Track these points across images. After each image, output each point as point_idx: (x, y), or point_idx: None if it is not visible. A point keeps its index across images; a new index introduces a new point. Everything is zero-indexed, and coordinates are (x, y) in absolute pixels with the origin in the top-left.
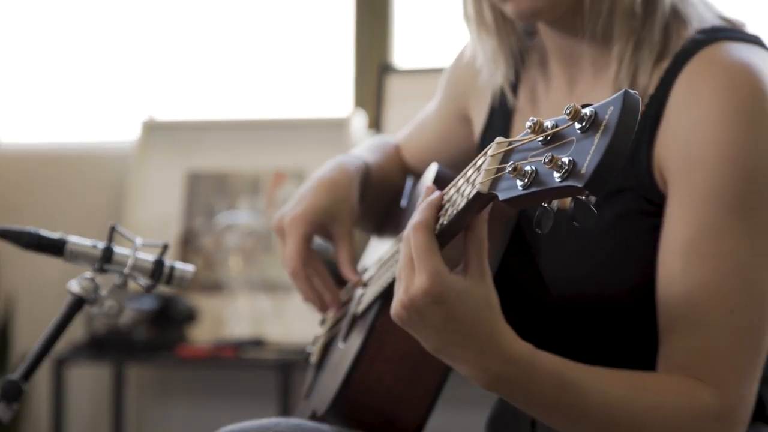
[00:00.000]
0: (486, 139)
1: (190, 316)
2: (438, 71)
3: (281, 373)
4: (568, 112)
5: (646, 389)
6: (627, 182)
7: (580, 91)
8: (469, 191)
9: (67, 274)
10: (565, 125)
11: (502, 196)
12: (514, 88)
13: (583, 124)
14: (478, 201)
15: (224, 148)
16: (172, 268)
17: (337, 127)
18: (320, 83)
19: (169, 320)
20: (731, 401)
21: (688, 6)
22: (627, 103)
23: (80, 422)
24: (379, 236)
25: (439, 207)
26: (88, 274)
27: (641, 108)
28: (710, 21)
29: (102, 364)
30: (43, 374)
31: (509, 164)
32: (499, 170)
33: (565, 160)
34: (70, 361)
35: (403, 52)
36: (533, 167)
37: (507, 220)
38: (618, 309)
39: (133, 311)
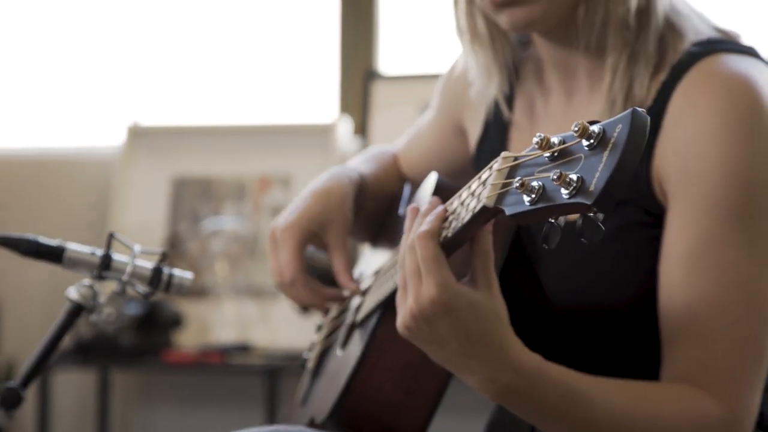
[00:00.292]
0: (481, 151)
1: (176, 322)
2: (423, 78)
3: (268, 379)
4: (576, 129)
5: (650, 399)
6: (627, 194)
7: (577, 104)
8: (474, 205)
9: (54, 279)
10: (573, 142)
11: (509, 211)
12: (509, 100)
13: (591, 141)
14: (484, 215)
15: (209, 153)
16: (170, 276)
17: (322, 133)
18: (306, 89)
19: (154, 326)
20: (735, 412)
21: (682, 18)
22: (635, 122)
23: (66, 428)
24: (373, 246)
25: (443, 219)
26: (87, 281)
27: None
28: (706, 33)
29: (87, 369)
30: None
31: (516, 179)
32: (505, 185)
33: (573, 176)
34: (55, 367)
35: (388, 59)
36: (540, 183)
37: (506, 232)
38: (618, 319)
39: (120, 316)
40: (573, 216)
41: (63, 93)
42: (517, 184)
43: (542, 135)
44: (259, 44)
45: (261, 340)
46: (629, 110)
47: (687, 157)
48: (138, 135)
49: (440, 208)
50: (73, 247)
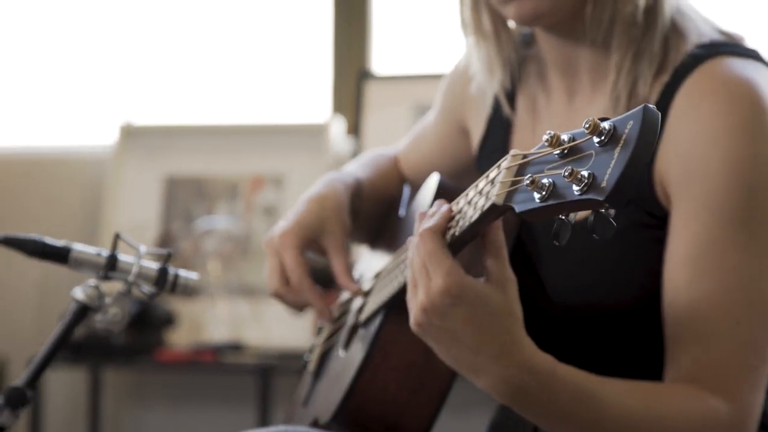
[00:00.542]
0: (484, 150)
1: (168, 320)
2: (416, 78)
3: (260, 378)
4: (587, 126)
5: (659, 400)
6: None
7: (579, 102)
8: (483, 203)
9: (46, 279)
10: (584, 139)
11: (518, 209)
12: (511, 98)
13: (602, 138)
14: (493, 213)
15: (202, 153)
16: (176, 276)
17: (315, 133)
18: (299, 89)
19: (147, 324)
20: (740, 411)
21: (686, 20)
22: (647, 118)
23: (57, 427)
24: (373, 247)
25: (449, 218)
26: (92, 281)
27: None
28: (709, 35)
29: (79, 368)
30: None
31: (527, 177)
32: (514, 183)
33: (585, 173)
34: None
35: (381, 59)
36: (551, 180)
37: (509, 231)
38: (619, 319)
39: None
40: (580, 214)
41: (55, 92)
42: (528, 182)
43: (552, 132)
44: (252, 44)
45: (253, 339)
46: (640, 107)
47: (689, 158)
48: (130, 134)
49: (445, 207)
50: (79, 247)
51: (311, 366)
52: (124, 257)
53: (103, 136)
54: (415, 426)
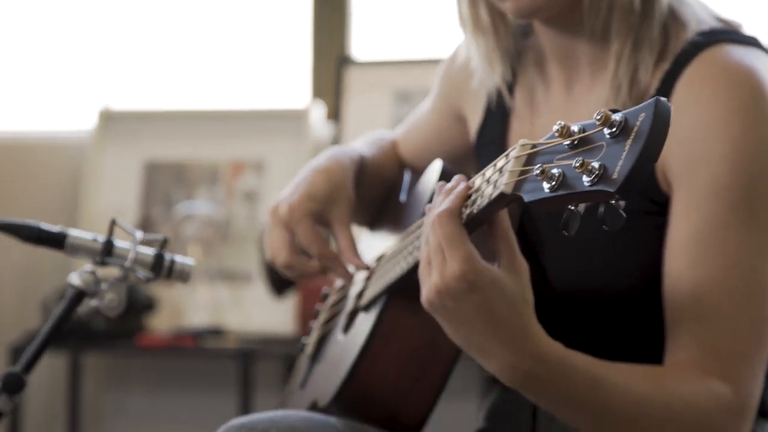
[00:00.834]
0: (482, 139)
1: (148, 305)
2: (397, 64)
3: (241, 363)
4: (598, 117)
5: (665, 384)
6: None
7: (579, 91)
8: (491, 191)
9: (25, 262)
10: (595, 130)
11: (527, 198)
12: (510, 88)
13: (613, 129)
14: (501, 201)
15: (182, 138)
16: (172, 262)
17: (296, 119)
18: (279, 74)
19: (127, 309)
20: (741, 394)
21: (684, 7)
22: (659, 110)
23: (37, 411)
24: (372, 230)
25: (466, 197)
26: (89, 267)
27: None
28: (708, 22)
29: (59, 353)
30: None
31: (537, 166)
32: (523, 172)
33: (596, 164)
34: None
35: (361, 44)
36: (560, 170)
37: (511, 219)
38: (620, 305)
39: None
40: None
41: (34, 77)
42: (538, 171)
43: (562, 123)
44: (232, 28)
45: (234, 323)
46: (652, 99)
47: (691, 145)
48: (110, 119)
49: (462, 185)
50: (75, 233)
51: (309, 349)
52: (120, 243)
53: (83, 122)
54: (415, 411)
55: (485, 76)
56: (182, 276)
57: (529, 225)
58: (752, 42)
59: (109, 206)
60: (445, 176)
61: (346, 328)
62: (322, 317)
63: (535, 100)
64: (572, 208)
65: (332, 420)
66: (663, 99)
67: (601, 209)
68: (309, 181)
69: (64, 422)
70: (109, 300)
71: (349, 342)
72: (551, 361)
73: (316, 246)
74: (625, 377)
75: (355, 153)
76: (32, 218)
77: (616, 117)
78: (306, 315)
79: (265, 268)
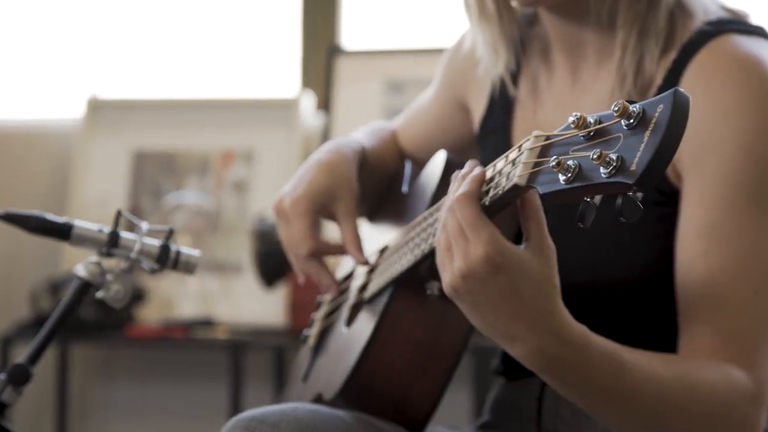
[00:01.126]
0: (485, 128)
1: (138, 296)
2: (387, 53)
3: (232, 354)
4: (616, 108)
5: (687, 371)
6: None
7: (584, 80)
8: (504, 183)
9: (10, 252)
10: (612, 122)
11: (542, 190)
12: (515, 77)
13: (631, 121)
14: (514, 194)
15: (171, 127)
16: (178, 253)
17: (285, 108)
18: (269, 63)
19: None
20: (761, 382)
21: None
22: (677, 102)
23: (24, 402)
24: (372, 222)
25: (483, 181)
26: (94, 258)
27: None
28: (715, 12)
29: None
30: None
31: (552, 158)
32: (537, 164)
33: (613, 156)
34: (14, 341)
35: (352, 33)
36: (576, 162)
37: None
38: (626, 297)
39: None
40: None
41: (21, 65)
42: (554, 163)
43: (579, 114)
44: (221, 17)
45: (223, 315)
46: (671, 90)
47: (701, 133)
48: (97, 108)
49: (478, 169)
50: (81, 224)
51: (311, 341)
52: (125, 234)
53: (71, 110)
54: (422, 403)
55: (490, 65)
56: (188, 267)
57: None
58: (759, 32)
59: (97, 195)
60: (449, 167)
61: (350, 321)
62: (324, 310)
63: (539, 89)
64: (588, 200)
65: (339, 413)
66: (681, 90)
67: (619, 201)
68: (313, 174)
69: (52, 413)
70: (115, 291)
71: (354, 335)
72: (577, 344)
73: (304, 245)
74: (647, 363)
75: (357, 144)
76: (20, 207)
77: (634, 108)
78: (297, 306)
79: (256, 259)
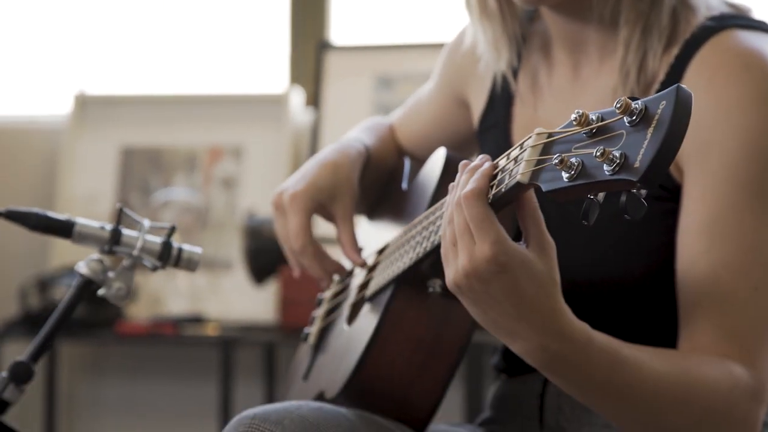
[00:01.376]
0: (485, 124)
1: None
2: (377, 48)
3: (222, 351)
4: (618, 105)
5: (688, 366)
6: None
7: (585, 77)
8: (507, 181)
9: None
10: (614, 119)
11: (545, 188)
12: (515, 73)
13: (634, 118)
14: (517, 191)
15: (159, 123)
16: (180, 250)
17: (274, 104)
18: (258, 59)
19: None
20: (761, 378)
21: None
22: (680, 98)
23: None
24: (370, 219)
25: (491, 176)
26: (96, 255)
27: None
28: (718, 8)
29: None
30: None
31: (555, 156)
32: (539, 162)
33: (616, 153)
34: (3, 338)
35: (341, 29)
36: (579, 159)
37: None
38: (627, 293)
39: (69, 287)
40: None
41: (8, 61)
42: (557, 161)
43: (581, 111)
44: (209, 12)
45: (213, 311)
46: (673, 86)
47: (704, 129)
48: (85, 104)
49: (488, 164)
50: (83, 221)
51: (312, 339)
52: (128, 231)
53: (58, 106)
54: (424, 401)
55: (492, 62)
56: (190, 264)
57: None
58: (762, 26)
59: (85, 192)
60: (449, 164)
61: (351, 319)
62: (324, 307)
63: (539, 84)
64: (591, 197)
65: (343, 410)
66: (684, 86)
67: (623, 198)
68: (316, 172)
69: (41, 411)
70: (117, 289)
71: (355, 333)
72: (579, 341)
73: (297, 240)
74: (649, 359)
75: (361, 145)
76: (7, 203)
77: (637, 105)
78: (287, 303)
79: (246, 256)
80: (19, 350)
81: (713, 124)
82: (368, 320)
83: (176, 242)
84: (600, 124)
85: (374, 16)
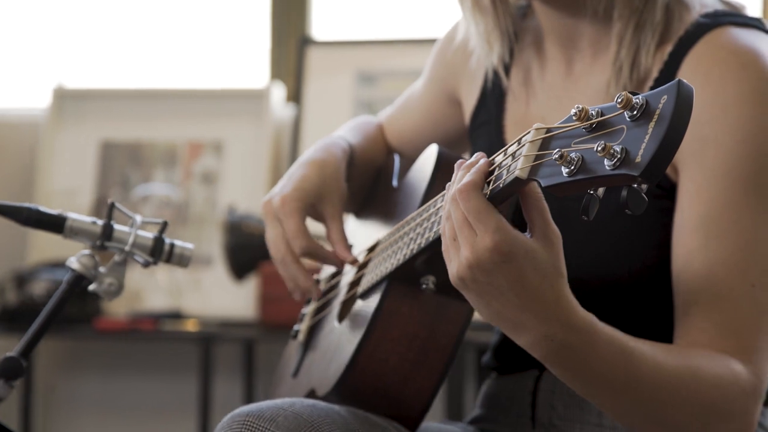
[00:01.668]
0: (477, 120)
1: None
2: (358, 44)
3: (201, 347)
4: (620, 100)
5: (690, 361)
6: None
7: (578, 73)
8: (505, 176)
9: None
10: (614, 113)
11: (544, 183)
12: (507, 68)
13: (634, 112)
14: (515, 187)
15: (139, 118)
16: (172, 246)
17: (255, 99)
18: (238, 54)
19: (84, 292)
20: (758, 375)
21: None
22: (681, 93)
23: None
24: (358, 217)
25: (487, 172)
26: (87, 250)
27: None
28: (711, 5)
29: (13, 336)
30: None
31: (555, 151)
32: (538, 157)
33: (617, 148)
34: None
35: (322, 24)
36: (579, 154)
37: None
38: (623, 291)
39: (48, 282)
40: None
41: None
42: (556, 156)
43: (581, 106)
44: (190, 6)
45: (193, 307)
46: (675, 81)
47: (700, 125)
48: (64, 97)
49: (483, 160)
50: (74, 216)
51: (301, 337)
52: (119, 226)
53: (37, 99)
54: (417, 398)
55: (484, 57)
56: (182, 260)
57: None
58: (756, 24)
59: (64, 186)
60: (441, 160)
61: (341, 316)
62: (314, 305)
63: (532, 80)
64: (591, 192)
65: (336, 407)
66: (685, 81)
67: (624, 193)
68: (301, 173)
69: (17, 407)
70: (108, 284)
71: (347, 330)
72: (584, 331)
73: (301, 242)
74: (652, 352)
75: (345, 143)
76: None
77: (638, 100)
78: (267, 299)
79: (226, 251)
80: None
81: (710, 121)
82: (361, 317)
83: (168, 238)
84: (600, 118)
85: (356, 12)
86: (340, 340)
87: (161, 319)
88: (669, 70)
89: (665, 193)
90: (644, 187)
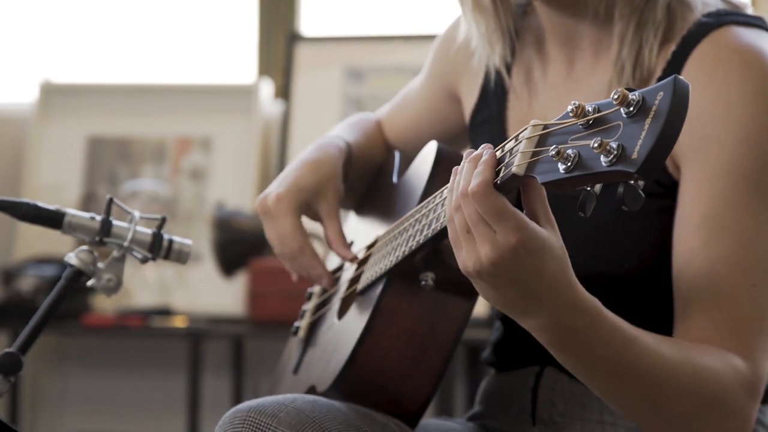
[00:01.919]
0: (477, 118)
1: None
2: (347, 40)
3: (190, 343)
4: (616, 96)
5: (692, 354)
6: None
7: (579, 72)
8: (503, 173)
9: None
10: (611, 110)
11: (541, 179)
12: (508, 68)
13: (631, 109)
14: (513, 184)
15: (127, 113)
16: (170, 242)
17: (243, 94)
18: (227, 49)
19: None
20: (757, 372)
21: None
22: (677, 89)
23: None
24: (359, 215)
25: (495, 165)
26: (86, 246)
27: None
28: (714, 4)
29: (1, 331)
30: None
31: (552, 147)
32: (535, 153)
33: (614, 144)
34: None
35: (310, 20)
36: (576, 151)
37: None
38: (622, 289)
39: (36, 278)
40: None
41: None
42: (553, 152)
43: (577, 103)
44: (179, 2)
45: (181, 303)
46: (671, 77)
47: (702, 124)
48: (51, 92)
49: (489, 153)
50: (73, 212)
51: (302, 333)
52: (118, 222)
53: (24, 94)
54: (416, 395)
55: (485, 57)
56: (180, 256)
57: None
58: (758, 23)
59: (51, 182)
60: (441, 157)
61: (341, 312)
62: (314, 301)
63: (533, 80)
64: (588, 189)
65: (337, 404)
66: (681, 78)
67: (621, 190)
68: (297, 173)
69: (4, 404)
70: (107, 280)
71: (346, 327)
72: (591, 315)
73: (292, 241)
74: (654, 343)
75: (342, 142)
76: None
77: (634, 96)
78: (255, 295)
79: (215, 247)
80: None
81: (712, 120)
82: (360, 314)
83: (167, 234)
84: (597, 115)
85: (344, 8)
86: (340, 337)
87: (149, 316)
88: (672, 70)
89: (666, 191)
90: (641, 183)
